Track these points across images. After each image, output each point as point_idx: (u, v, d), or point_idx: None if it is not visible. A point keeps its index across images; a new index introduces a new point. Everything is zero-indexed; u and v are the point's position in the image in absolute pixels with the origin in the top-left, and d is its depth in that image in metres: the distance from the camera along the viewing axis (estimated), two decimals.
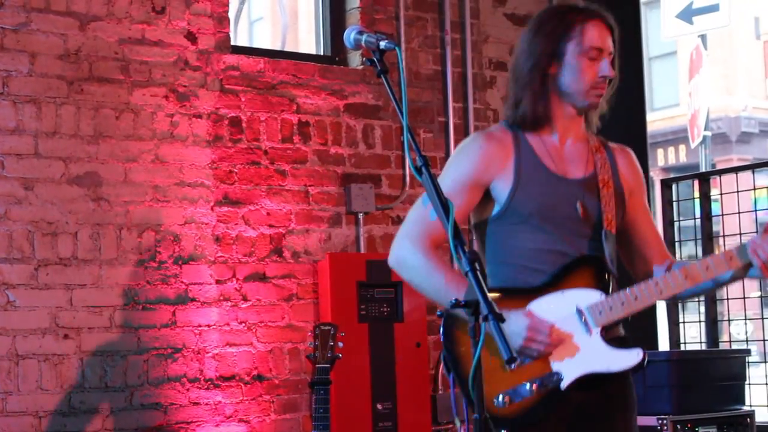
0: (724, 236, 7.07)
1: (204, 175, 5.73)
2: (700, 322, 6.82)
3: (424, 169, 2.68)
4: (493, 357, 3.00)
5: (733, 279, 3.24)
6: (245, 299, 5.79)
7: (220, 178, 5.77)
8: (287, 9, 12.59)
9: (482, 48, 6.94)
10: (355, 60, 6.34)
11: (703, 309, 6.77)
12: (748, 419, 5.69)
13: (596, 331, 3.13)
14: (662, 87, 23.64)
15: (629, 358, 3.15)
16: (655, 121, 22.30)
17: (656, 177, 19.58)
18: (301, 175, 6.05)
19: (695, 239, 6.89)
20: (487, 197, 3.27)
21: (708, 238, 6.77)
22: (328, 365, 4.97)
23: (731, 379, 5.69)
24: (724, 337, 7.73)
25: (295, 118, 6.08)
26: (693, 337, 7.04)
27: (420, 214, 3.25)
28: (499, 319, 2.43)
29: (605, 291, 3.18)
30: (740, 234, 6.54)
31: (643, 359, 3.14)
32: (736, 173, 6.88)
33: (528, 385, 3.09)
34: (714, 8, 19.54)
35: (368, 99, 6.33)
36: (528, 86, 3.27)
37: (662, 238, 3.45)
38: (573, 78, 3.24)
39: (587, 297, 3.17)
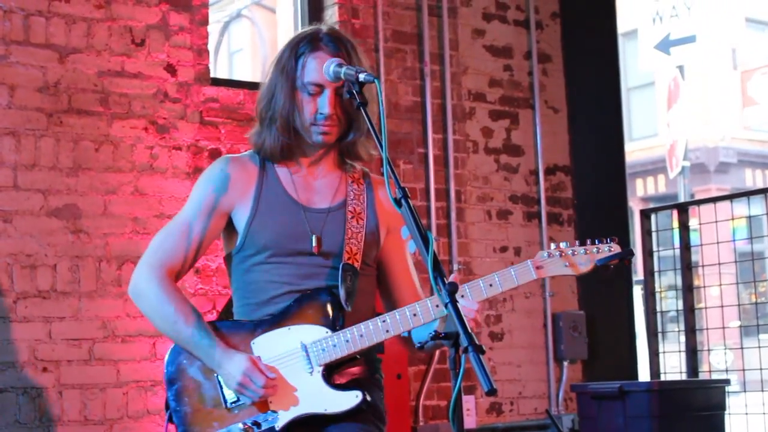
0: (703, 266, 7.10)
1: None
2: (680, 352, 6.83)
3: (403, 201, 2.68)
4: (209, 396, 3.06)
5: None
6: None
7: None
8: (267, 40, 12.63)
9: (461, 79, 6.97)
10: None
11: (683, 339, 6.79)
12: None
13: (318, 369, 3.03)
14: (640, 117, 23.77)
15: (347, 400, 3.04)
16: (634, 152, 22.41)
17: (635, 207, 19.65)
18: None
19: (674, 269, 6.92)
20: (232, 228, 3.20)
21: (687, 268, 6.80)
22: None
23: (711, 409, 5.71)
24: (704, 367, 7.75)
25: None
26: (673, 366, 7.05)
27: (159, 241, 3.20)
28: (479, 350, 2.42)
29: (332, 327, 3.06)
30: (719, 264, 6.57)
31: (362, 402, 3.04)
32: (715, 203, 6.92)
33: (240, 426, 3.01)
34: (691, 39, 19.70)
35: None
36: (265, 121, 3.17)
37: (416, 281, 3.31)
38: (295, 114, 3.12)
39: (313, 333, 3.05)
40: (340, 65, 3.00)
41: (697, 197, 19.83)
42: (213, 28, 6.77)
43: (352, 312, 3.08)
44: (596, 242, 3.11)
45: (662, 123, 22.56)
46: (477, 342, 2.44)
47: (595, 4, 7.68)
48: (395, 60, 6.68)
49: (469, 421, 6.60)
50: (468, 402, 6.62)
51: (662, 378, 6.81)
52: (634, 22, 21.14)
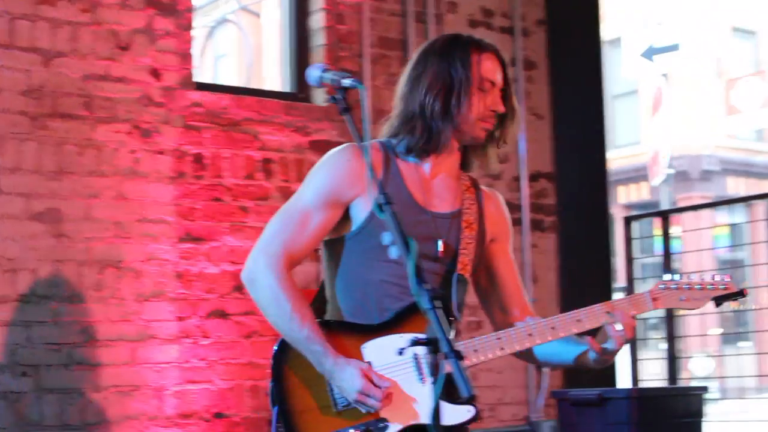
0: (686, 274, 7.12)
1: (166, 211, 5.72)
2: (660, 359, 6.86)
3: (385, 207, 2.69)
4: (319, 396, 3.01)
5: (582, 360, 3.17)
6: (206, 336, 5.77)
7: (183, 215, 5.76)
8: (252, 45, 12.63)
9: None
10: (320, 97, 6.36)
11: (663, 346, 6.82)
12: None
13: (430, 380, 2.90)
14: (624, 125, 23.85)
15: (460, 414, 2.97)
16: (617, 159, 22.48)
17: (617, 214, 19.71)
18: (264, 211, 6.05)
19: (656, 276, 6.94)
20: (345, 215, 3.12)
21: None
22: None
23: (690, 416, 5.73)
24: (685, 374, 7.78)
25: (259, 154, 6.08)
26: (654, 374, 7.08)
27: (278, 228, 3.12)
28: (459, 357, 2.43)
29: None
30: (700, 271, 6.60)
31: (474, 417, 2.98)
32: (697, 211, 6.95)
33: (351, 431, 2.98)
34: (675, 47, 19.78)
35: (332, 136, 6.35)
36: (420, 115, 3.16)
37: (524, 290, 3.33)
38: (462, 109, 3.11)
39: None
40: (324, 70, 3.00)
41: (680, 205, 19.90)
42: (198, 33, 6.77)
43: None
44: (711, 277, 3.18)
45: (645, 131, 22.64)
46: (456, 348, 2.45)
47: (581, 11, 7.71)
48: (380, 66, 6.69)
49: None
50: None
51: (642, 385, 6.83)
52: (619, 30, 21.23)
